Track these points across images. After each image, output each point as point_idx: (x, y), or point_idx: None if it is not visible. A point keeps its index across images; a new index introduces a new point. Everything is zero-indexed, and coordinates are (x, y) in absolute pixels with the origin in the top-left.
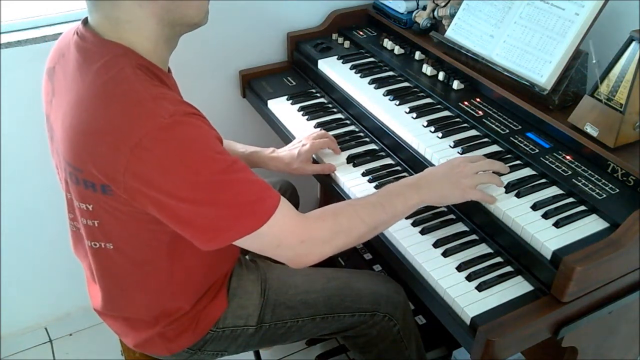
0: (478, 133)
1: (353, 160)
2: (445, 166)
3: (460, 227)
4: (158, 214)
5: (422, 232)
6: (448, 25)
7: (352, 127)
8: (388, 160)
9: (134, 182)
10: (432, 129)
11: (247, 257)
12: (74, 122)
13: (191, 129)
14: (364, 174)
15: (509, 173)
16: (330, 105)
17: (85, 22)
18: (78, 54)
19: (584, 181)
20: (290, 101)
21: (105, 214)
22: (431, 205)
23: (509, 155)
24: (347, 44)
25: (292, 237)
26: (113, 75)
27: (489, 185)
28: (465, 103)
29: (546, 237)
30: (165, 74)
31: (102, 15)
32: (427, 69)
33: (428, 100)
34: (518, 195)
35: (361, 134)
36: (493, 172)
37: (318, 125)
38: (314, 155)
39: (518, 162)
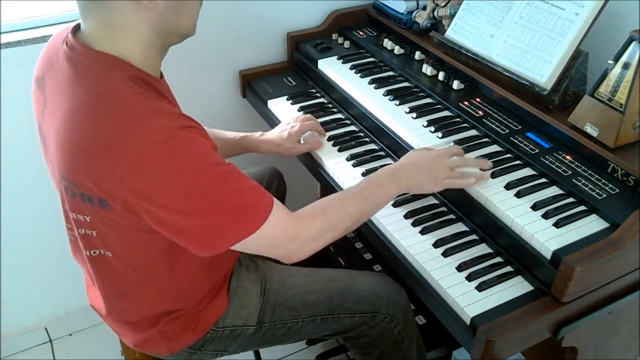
0: (478, 133)
1: (353, 160)
2: (422, 157)
3: (460, 227)
4: (155, 226)
5: (422, 232)
6: (448, 25)
7: (352, 127)
8: (388, 160)
9: (131, 196)
10: (432, 129)
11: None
12: (68, 136)
13: (187, 143)
14: (364, 174)
15: (509, 173)
16: (330, 105)
17: (74, 31)
18: (68, 64)
19: (584, 181)
20: (290, 101)
21: (103, 225)
22: (431, 205)
23: (509, 155)
24: (347, 44)
25: (284, 237)
26: (106, 89)
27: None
28: (465, 103)
29: (546, 237)
30: (158, 80)
31: (95, 19)
32: (427, 69)
33: (428, 100)
34: (518, 195)
35: (361, 134)
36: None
37: None
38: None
39: (518, 162)
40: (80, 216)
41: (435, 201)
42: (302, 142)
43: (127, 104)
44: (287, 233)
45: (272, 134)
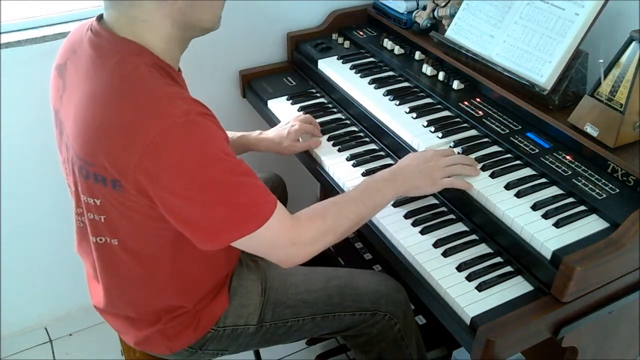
0: (478, 133)
1: (353, 160)
2: (418, 159)
3: (460, 227)
4: (163, 211)
5: (422, 232)
6: (448, 25)
7: (352, 127)
8: (388, 160)
9: (144, 178)
10: (432, 129)
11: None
12: (88, 117)
13: (203, 129)
14: (364, 174)
15: (509, 173)
16: (330, 105)
17: (99, 18)
18: (92, 50)
19: (584, 181)
20: (290, 101)
21: (113, 209)
22: (431, 205)
23: (509, 155)
24: (347, 44)
25: (284, 240)
26: (128, 73)
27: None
28: (465, 103)
29: (546, 237)
30: (177, 72)
31: (119, 13)
32: (427, 69)
33: (428, 100)
34: (518, 195)
35: (361, 134)
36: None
37: None
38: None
39: (518, 162)
40: (91, 199)
41: (435, 201)
42: (300, 140)
43: (148, 88)
44: (288, 235)
45: (271, 133)
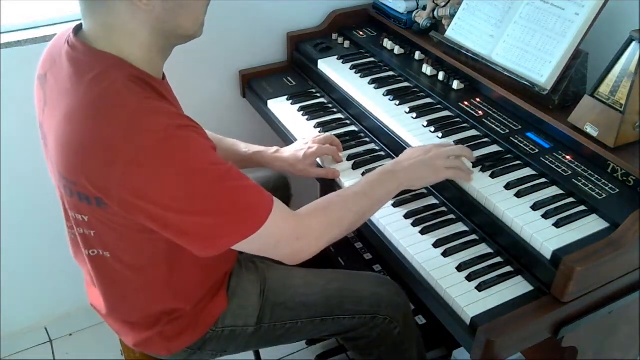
0: (478, 133)
1: (353, 160)
2: (419, 151)
3: (460, 227)
4: (153, 226)
5: (422, 232)
6: (448, 25)
7: (352, 127)
8: (388, 161)
9: (128, 196)
10: (432, 129)
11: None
12: (67, 135)
13: (185, 142)
14: (364, 174)
15: (509, 173)
16: (330, 105)
17: (76, 31)
18: (69, 64)
19: (584, 181)
20: (290, 101)
21: (101, 225)
22: (431, 205)
23: (509, 155)
24: (347, 44)
25: (287, 236)
26: (105, 88)
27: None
28: (465, 103)
29: (546, 237)
30: (159, 81)
31: (96, 21)
32: (427, 69)
33: (428, 100)
34: (518, 195)
35: (361, 134)
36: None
37: (318, 125)
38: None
39: (518, 162)
40: (79, 215)
41: (435, 201)
42: (320, 162)
43: (125, 104)
44: (290, 232)
45: (287, 152)
